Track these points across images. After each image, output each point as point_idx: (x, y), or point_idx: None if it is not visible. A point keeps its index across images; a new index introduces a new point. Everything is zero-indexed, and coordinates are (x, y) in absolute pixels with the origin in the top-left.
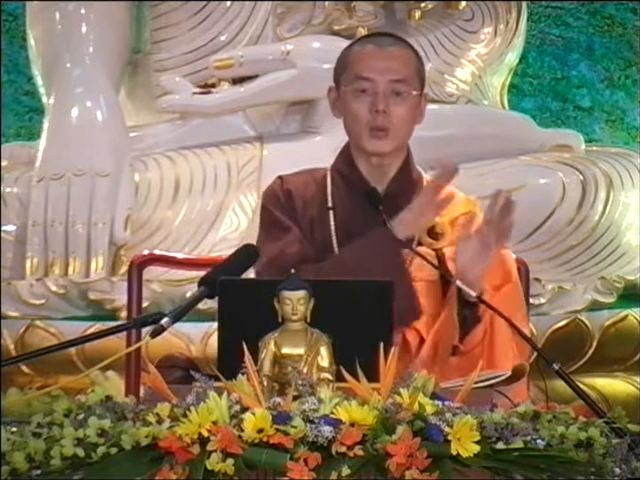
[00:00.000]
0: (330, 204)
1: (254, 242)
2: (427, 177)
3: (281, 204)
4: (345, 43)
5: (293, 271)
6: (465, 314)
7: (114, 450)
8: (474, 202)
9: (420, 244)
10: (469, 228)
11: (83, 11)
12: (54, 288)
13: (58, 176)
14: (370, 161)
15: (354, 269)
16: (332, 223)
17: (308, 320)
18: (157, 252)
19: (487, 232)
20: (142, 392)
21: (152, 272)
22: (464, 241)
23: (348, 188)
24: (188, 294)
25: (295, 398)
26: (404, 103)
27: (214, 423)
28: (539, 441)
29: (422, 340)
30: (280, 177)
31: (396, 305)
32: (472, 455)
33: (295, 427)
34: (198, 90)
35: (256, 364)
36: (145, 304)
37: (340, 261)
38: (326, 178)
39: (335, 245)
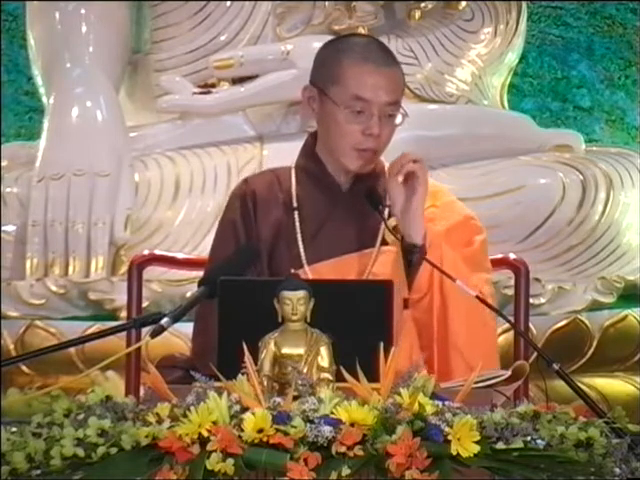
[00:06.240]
0: (295, 204)
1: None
2: (386, 164)
3: (243, 210)
4: None
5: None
6: (410, 260)
7: (114, 450)
8: (445, 193)
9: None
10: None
11: (83, 11)
12: (54, 288)
13: (58, 176)
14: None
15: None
16: (297, 224)
17: (308, 320)
18: (157, 252)
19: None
20: (142, 392)
21: (152, 272)
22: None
23: (313, 185)
24: (188, 294)
25: (295, 398)
26: (392, 124)
27: (214, 423)
28: (539, 441)
29: None
30: (245, 179)
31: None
32: (472, 455)
33: (295, 427)
34: (198, 90)
35: (256, 364)
36: (145, 304)
37: None
38: (291, 177)
39: (301, 245)
